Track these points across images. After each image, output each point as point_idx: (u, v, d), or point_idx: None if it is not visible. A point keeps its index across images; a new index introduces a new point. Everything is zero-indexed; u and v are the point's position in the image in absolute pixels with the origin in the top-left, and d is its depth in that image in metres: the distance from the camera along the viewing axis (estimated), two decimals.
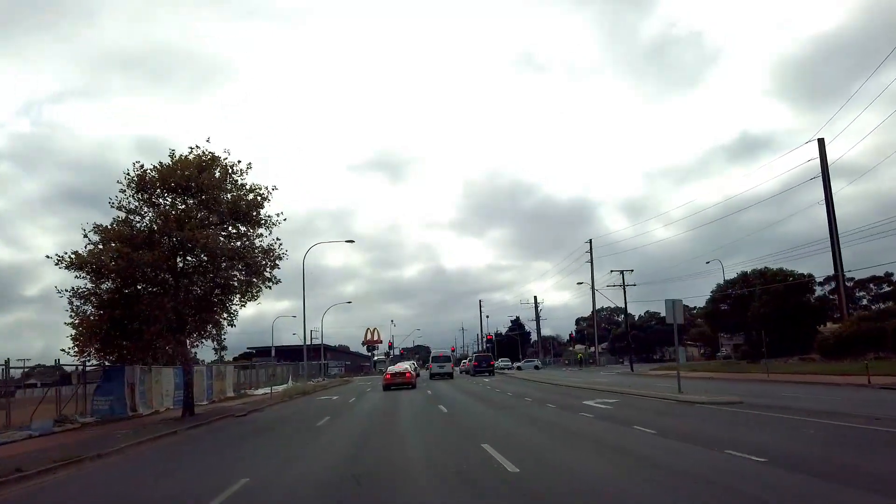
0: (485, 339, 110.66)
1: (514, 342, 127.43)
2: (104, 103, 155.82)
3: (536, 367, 75.82)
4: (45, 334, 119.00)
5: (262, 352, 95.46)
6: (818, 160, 48.10)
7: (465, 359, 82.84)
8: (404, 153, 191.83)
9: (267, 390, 40.70)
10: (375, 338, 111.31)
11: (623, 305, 59.30)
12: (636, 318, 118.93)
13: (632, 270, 60.31)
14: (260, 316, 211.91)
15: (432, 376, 53.29)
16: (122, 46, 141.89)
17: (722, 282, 63.71)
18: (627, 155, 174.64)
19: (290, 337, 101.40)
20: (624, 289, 59.17)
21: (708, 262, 69.35)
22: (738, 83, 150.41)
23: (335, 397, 33.01)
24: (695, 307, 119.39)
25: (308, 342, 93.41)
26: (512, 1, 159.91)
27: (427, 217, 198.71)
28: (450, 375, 53.38)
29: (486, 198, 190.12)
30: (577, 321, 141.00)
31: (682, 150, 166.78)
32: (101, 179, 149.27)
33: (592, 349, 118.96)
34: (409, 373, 37.50)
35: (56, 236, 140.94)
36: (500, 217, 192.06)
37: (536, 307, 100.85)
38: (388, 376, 37.15)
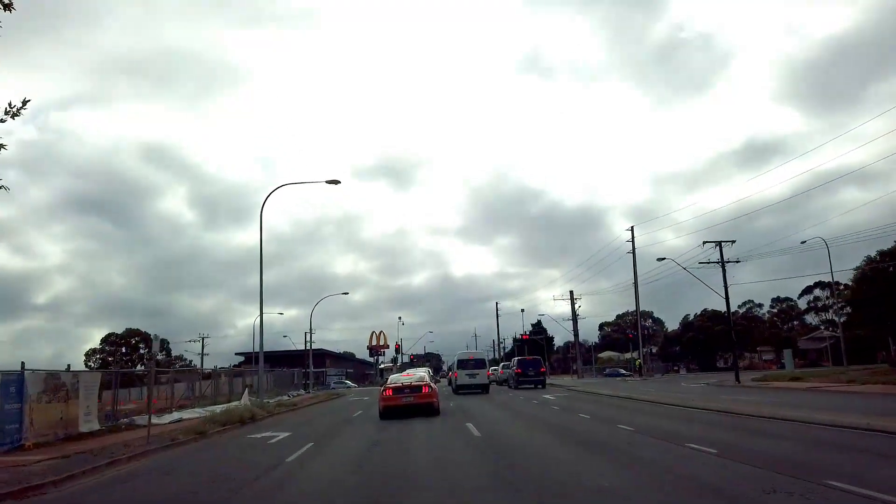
0: (518, 339, 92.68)
1: (539, 347, 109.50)
2: (110, 109, 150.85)
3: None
4: (55, 342, 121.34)
5: (257, 358, 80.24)
6: None
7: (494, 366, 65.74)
8: (409, 159, 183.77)
9: (181, 416, 24.08)
10: (381, 342, 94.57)
11: (724, 295, 42.04)
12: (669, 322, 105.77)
13: (733, 241, 43.22)
14: (269, 324, 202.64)
15: (458, 389, 36.33)
16: (128, 52, 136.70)
17: (830, 267, 47.17)
18: (635, 159, 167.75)
19: (284, 341, 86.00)
20: (723, 266, 42.06)
21: (804, 242, 52.40)
22: (747, 87, 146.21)
23: (276, 438, 16.23)
24: (724, 311, 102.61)
25: (304, 347, 77.21)
26: (517, 4, 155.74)
27: (433, 223, 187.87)
28: (485, 388, 36.40)
29: (493, 204, 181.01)
30: (601, 326, 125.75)
31: (690, 155, 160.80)
32: (107, 185, 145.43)
33: (629, 355, 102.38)
34: (427, 386, 20.61)
35: (63, 244, 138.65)
36: (507, 223, 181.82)
37: (573, 304, 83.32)
38: (389, 392, 20.28)
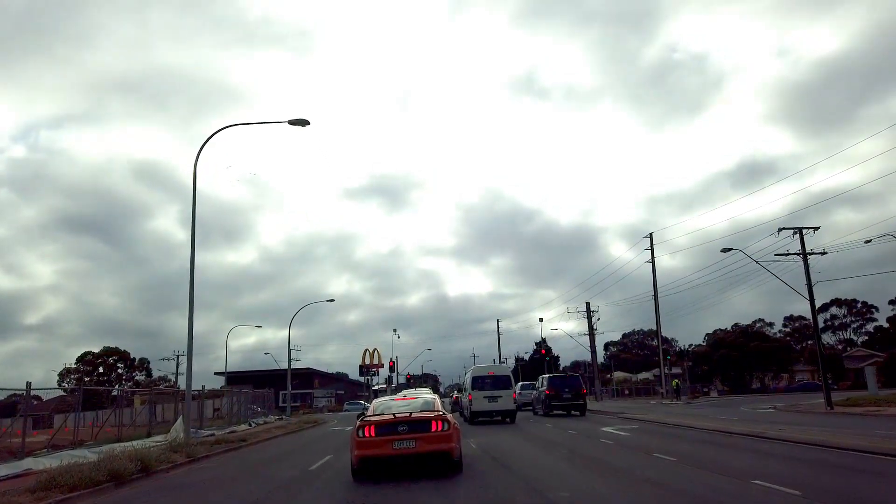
0: (521, 357, 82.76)
1: (547, 367, 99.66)
2: (102, 128, 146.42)
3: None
4: (46, 362, 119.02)
5: (239, 378, 72.18)
6: None
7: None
8: (403, 179, 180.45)
9: (32, 465, 14.80)
10: (375, 361, 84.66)
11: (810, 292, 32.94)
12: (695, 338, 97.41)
13: (817, 228, 34.19)
14: (262, 343, 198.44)
15: (475, 417, 26.79)
16: (121, 71, 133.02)
17: None
18: (630, 180, 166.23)
19: (267, 360, 77.53)
20: (805, 257, 32.92)
21: (867, 242, 43.44)
22: (740, 108, 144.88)
23: None
24: (745, 324, 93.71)
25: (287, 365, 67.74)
26: (512, 27, 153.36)
27: (427, 244, 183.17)
28: (510, 416, 26.94)
29: (487, 224, 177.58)
30: (606, 346, 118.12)
31: (684, 176, 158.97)
32: (99, 205, 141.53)
33: (644, 375, 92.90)
34: (438, 420, 11.36)
35: (54, 263, 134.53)
36: (502, 244, 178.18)
37: (589, 317, 73.59)
38: (370, 431, 11.01)
